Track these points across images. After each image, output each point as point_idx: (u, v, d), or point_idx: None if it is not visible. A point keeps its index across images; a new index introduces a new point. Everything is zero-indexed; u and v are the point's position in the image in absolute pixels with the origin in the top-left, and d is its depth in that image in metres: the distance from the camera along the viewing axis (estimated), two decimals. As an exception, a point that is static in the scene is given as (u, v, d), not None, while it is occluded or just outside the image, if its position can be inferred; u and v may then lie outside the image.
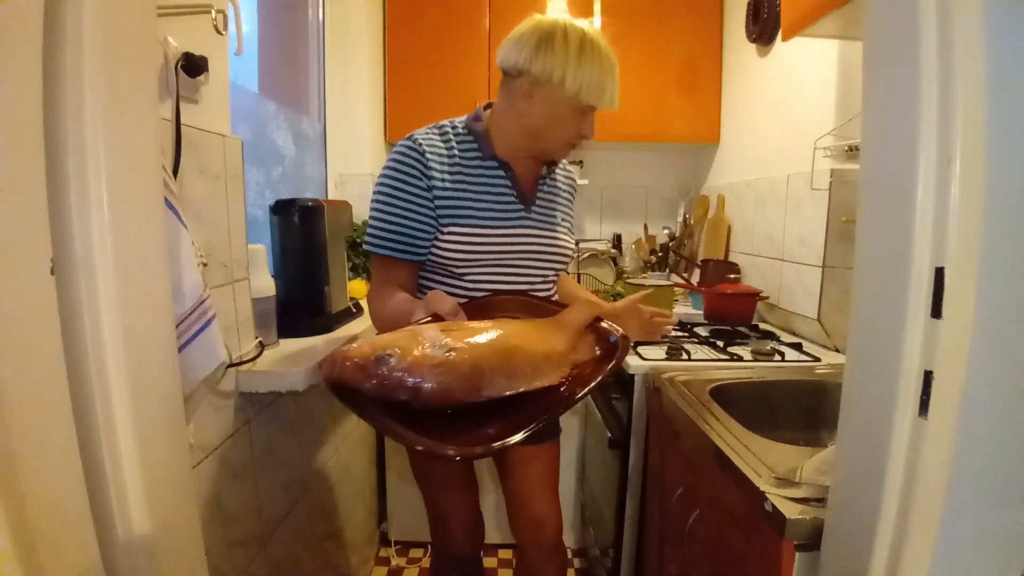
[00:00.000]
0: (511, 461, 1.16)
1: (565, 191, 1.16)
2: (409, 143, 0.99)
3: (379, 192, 0.99)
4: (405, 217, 0.98)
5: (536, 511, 1.17)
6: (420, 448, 0.60)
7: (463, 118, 1.07)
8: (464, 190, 1.00)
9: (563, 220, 1.13)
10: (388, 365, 0.61)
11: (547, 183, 1.11)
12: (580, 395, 0.70)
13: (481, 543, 1.28)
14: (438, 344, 0.65)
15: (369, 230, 1.00)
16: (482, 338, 0.70)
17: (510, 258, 1.04)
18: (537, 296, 1.00)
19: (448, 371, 0.63)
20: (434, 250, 1.01)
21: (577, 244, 1.13)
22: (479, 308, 0.92)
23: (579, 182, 1.29)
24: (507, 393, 0.66)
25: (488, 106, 1.08)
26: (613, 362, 0.74)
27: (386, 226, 0.98)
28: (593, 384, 0.71)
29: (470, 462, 1.21)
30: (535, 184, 1.09)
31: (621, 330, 0.81)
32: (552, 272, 1.11)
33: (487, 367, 0.66)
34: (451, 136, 1.03)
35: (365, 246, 1.02)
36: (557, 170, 1.15)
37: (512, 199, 1.04)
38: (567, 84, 0.93)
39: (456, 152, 1.02)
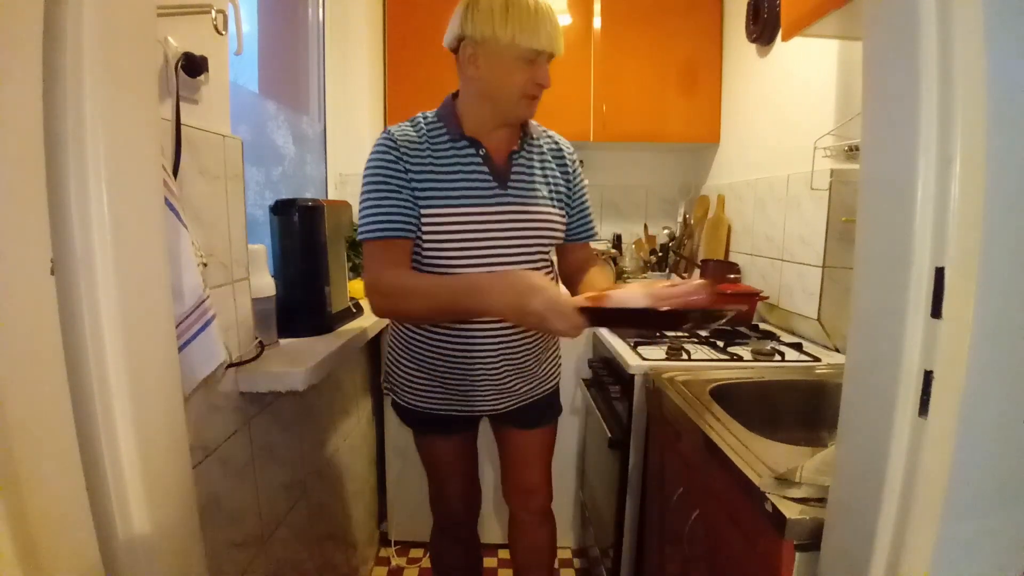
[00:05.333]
0: (511, 439, 1.28)
1: (551, 161, 1.15)
2: (384, 136, 1.05)
3: (367, 184, 1.03)
4: (394, 198, 1.01)
5: (528, 481, 1.30)
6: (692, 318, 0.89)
7: (430, 111, 1.11)
8: (435, 172, 1.03)
9: (550, 192, 1.12)
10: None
11: (523, 155, 1.11)
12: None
13: (476, 512, 1.40)
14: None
15: (363, 222, 1.03)
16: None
17: (488, 236, 1.05)
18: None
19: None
20: (419, 237, 1.05)
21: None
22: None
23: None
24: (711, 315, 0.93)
25: (455, 95, 1.11)
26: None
27: (380, 210, 1.01)
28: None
29: (471, 441, 1.31)
30: (510, 163, 1.09)
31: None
32: (539, 247, 1.11)
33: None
34: (422, 124, 1.07)
35: (361, 236, 1.03)
36: (539, 140, 1.15)
37: (485, 177, 1.05)
38: (499, 33, 0.96)
39: (427, 138, 1.06)
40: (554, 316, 0.84)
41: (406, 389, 1.19)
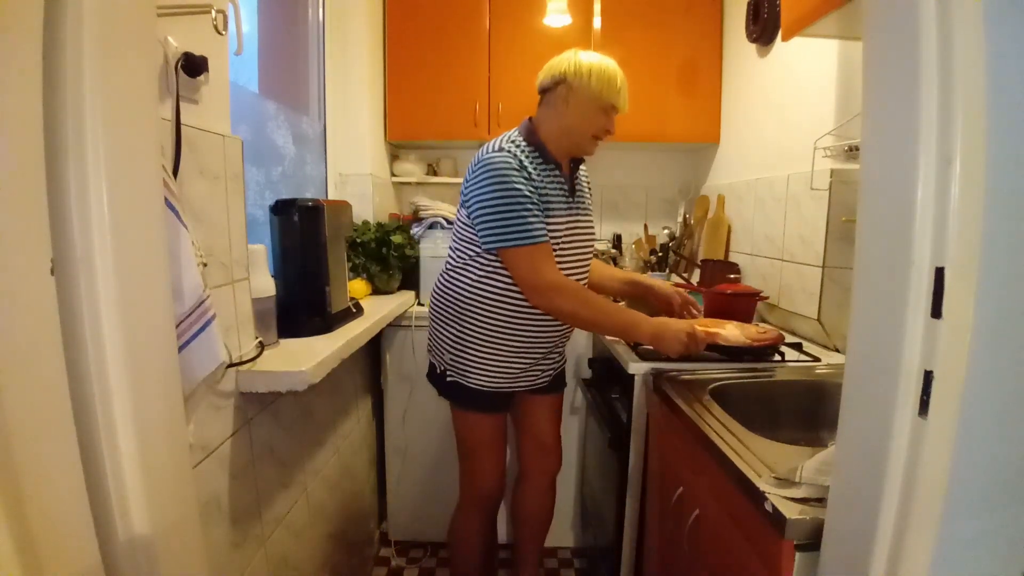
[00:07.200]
0: (537, 403, 1.51)
1: (588, 185, 1.47)
2: (507, 154, 1.22)
3: (504, 196, 1.19)
4: (534, 209, 1.21)
5: (546, 439, 1.54)
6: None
7: (514, 134, 1.29)
8: (543, 188, 1.25)
9: (590, 207, 1.44)
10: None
11: (577, 179, 1.39)
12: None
13: (505, 486, 1.53)
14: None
15: (510, 229, 1.20)
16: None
17: (571, 238, 1.32)
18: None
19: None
20: None
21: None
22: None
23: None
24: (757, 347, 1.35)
25: (531, 120, 1.32)
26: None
27: (527, 220, 1.20)
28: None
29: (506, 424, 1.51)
30: (572, 180, 1.36)
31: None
32: (594, 242, 1.43)
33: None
34: (524, 149, 1.26)
35: (512, 243, 1.20)
36: (580, 169, 1.42)
37: (566, 192, 1.32)
38: (593, 86, 1.23)
39: (531, 159, 1.26)
40: (695, 344, 1.24)
41: (479, 372, 1.35)
